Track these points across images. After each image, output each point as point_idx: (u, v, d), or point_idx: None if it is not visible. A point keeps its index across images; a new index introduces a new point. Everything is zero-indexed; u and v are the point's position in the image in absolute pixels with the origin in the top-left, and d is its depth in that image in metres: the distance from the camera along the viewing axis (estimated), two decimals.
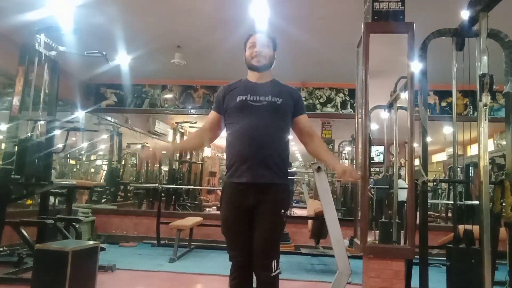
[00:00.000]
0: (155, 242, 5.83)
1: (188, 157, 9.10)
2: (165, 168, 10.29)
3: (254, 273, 1.99)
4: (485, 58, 2.46)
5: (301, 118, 2.12)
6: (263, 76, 2.10)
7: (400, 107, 3.73)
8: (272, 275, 1.92)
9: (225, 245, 2.07)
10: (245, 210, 1.96)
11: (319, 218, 4.71)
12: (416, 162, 3.10)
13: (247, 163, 1.94)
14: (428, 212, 3.36)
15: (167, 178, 9.30)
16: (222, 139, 2.20)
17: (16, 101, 3.81)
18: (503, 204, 2.44)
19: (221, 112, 2.10)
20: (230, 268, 2.05)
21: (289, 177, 2.12)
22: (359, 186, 3.08)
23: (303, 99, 7.12)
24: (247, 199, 1.95)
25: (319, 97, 7.15)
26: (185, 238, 5.61)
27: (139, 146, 9.95)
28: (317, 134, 2.20)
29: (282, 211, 1.99)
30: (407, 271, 2.91)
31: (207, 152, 13.36)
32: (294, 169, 12.12)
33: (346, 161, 10.05)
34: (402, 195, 4.00)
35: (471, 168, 5.43)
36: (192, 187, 9.30)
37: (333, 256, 3.30)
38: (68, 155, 8.81)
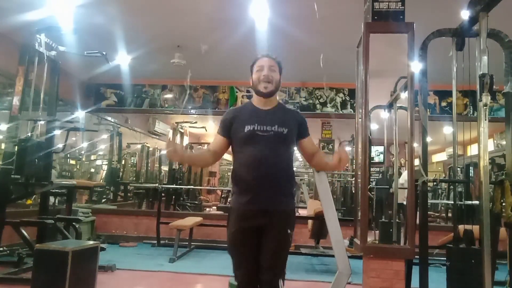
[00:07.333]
0: (155, 242, 5.83)
1: None
2: (165, 168, 10.28)
3: None
4: (485, 58, 2.46)
5: (305, 141, 2.20)
6: (269, 101, 2.14)
7: (400, 107, 3.73)
8: None
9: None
10: (252, 231, 2.01)
11: (319, 218, 4.70)
12: (416, 162, 3.10)
13: (256, 190, 1.99)
14: (428, 212, 3.36)
15: (167, 178, 9.29)
16: None
17: (16, 101, 3.82)
18: (503, 204, 2.44)
19: (228, 136, 2.14)
20: None
21: None
22: (359, 186, 3.08)
23: (303, 99, 7.18)
24: (254, 222, 2.00)
25: (319, 97, 7.15)
26: (185, 238, 5.61)
27: (139, 146, 9.95)
28: (319, 151, 2.32)
29: (289, 231, 2.05)
30: (407, 271, 2.91)
31: None
32: (294, 169, 12.12)
33: None
34: (402, 197, 4.00)
35: (471, 168, 5.43)
36: (192, 187, 9.31)
37: (333, 256, 3.29)
38: (68, 155, 8.81)
